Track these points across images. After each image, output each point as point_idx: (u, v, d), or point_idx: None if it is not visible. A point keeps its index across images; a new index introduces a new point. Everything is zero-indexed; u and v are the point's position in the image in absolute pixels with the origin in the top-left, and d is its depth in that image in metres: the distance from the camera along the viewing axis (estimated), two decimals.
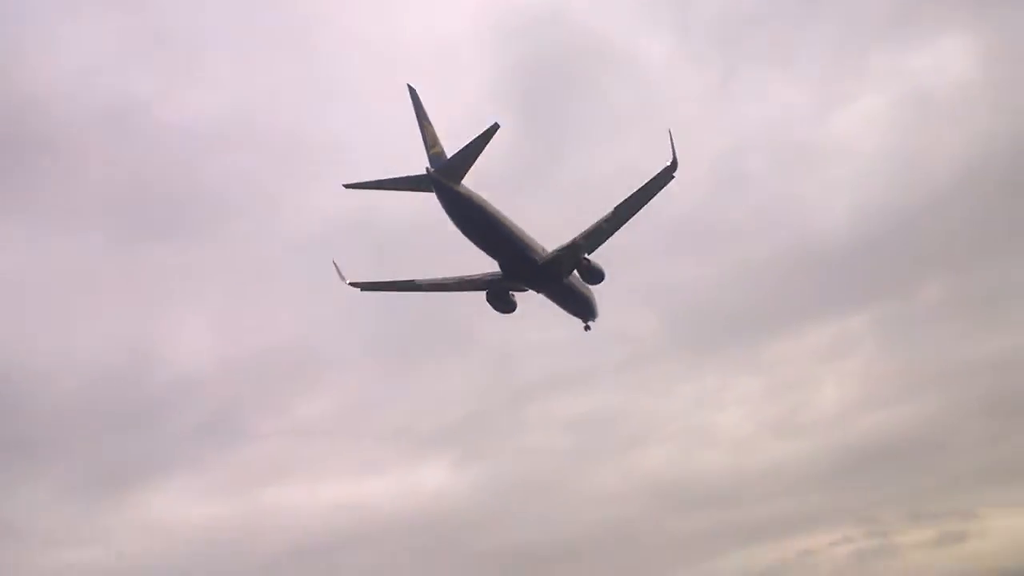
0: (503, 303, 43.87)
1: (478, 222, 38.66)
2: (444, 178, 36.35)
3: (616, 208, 41.96)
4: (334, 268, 46.30)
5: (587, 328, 46.62)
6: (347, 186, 39.59)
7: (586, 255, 42.77)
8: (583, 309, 46.08)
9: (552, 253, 42.49)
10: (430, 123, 36.57)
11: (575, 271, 44.11)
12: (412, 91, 38.22)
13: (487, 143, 36.39)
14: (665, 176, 41.26)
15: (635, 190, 41.63)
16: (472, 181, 39.02)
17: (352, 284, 45.47)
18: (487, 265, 44.38)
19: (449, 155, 36.87)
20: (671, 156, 40.32)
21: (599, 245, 43.23)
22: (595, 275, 43.42)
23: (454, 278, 42.96)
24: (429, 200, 38.54)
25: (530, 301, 44.73)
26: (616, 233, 42.09)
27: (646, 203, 42.14)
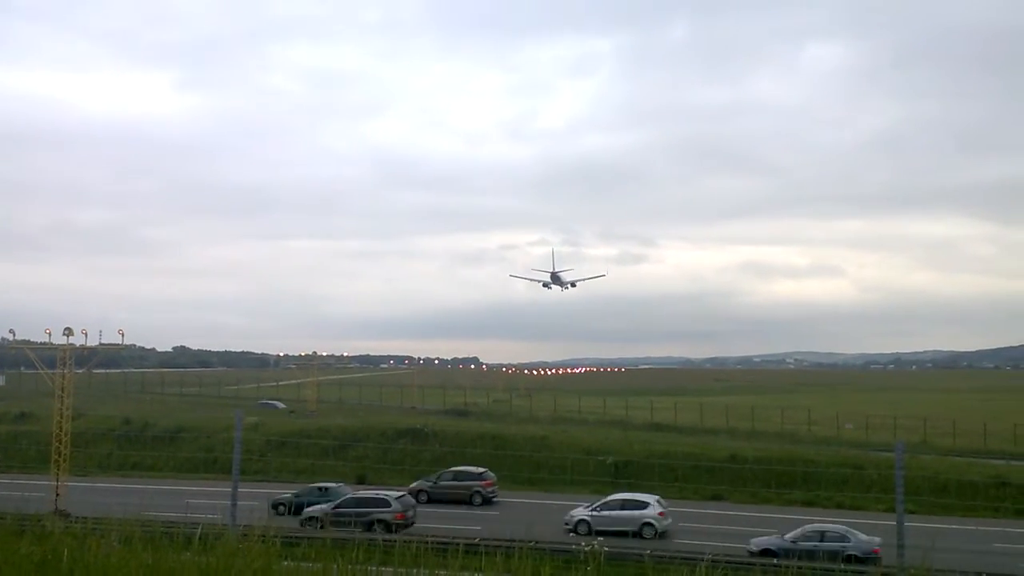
0: (548, 287, 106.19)
1: (558, 282, 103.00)
2: (553, 270, 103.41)
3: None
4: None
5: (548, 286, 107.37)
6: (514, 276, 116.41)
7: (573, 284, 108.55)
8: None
9: (565, 282, 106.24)
10: (553, 259, 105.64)
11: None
12: (552, 250, 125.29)
13: (565, 272, 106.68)
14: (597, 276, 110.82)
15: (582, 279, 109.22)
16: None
17: None
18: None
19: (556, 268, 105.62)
20: (604, 273, 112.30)
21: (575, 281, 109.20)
22: (573, 285, 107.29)
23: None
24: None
25: None
26: None
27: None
